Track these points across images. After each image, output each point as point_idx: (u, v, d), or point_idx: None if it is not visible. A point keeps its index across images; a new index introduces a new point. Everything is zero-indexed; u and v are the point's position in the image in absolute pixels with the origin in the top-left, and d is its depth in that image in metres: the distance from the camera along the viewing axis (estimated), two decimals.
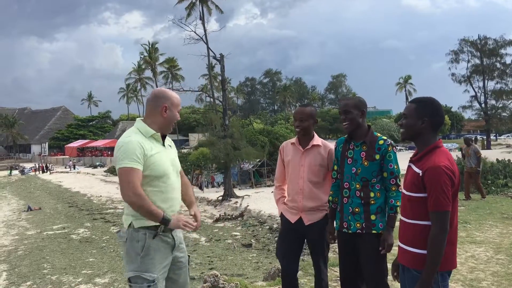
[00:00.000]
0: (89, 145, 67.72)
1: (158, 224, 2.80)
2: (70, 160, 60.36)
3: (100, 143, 65.91)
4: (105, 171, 49.99)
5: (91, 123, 79.65)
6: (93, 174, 49.14)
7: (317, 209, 3.66)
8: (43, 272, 15.43)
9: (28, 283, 14.43)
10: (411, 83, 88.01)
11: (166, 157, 2.96)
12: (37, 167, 59.14)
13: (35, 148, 78.33)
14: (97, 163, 58.31)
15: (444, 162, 2.43)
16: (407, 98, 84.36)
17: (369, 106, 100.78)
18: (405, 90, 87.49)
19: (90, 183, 42.34)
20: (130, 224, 2.86)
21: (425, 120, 2.57)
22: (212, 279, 4.51)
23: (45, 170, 56.15)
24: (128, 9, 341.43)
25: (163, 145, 2.99)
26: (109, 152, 62.19)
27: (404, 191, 2.65)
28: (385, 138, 3.26)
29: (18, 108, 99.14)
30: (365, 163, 3.20)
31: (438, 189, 2.38)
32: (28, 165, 63.71)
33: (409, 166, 2.66)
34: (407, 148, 49.76)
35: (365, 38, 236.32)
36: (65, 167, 59.03)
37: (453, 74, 55.97)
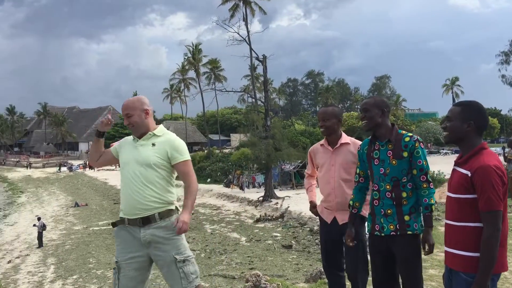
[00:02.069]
0: None
1: (124, 217, 3.15)
2: None
3: None
4: None
5: None
6: None
7: None
8: (89, 267, 15.93)
9: (75, 276, 14.93)
10: (459, 85, 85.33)
11: (129, 150, 3.27)
12: (84, 164, 61.10)
13: (83, 146, 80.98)
14: None
15: (493, 162, 2.41)
16: (454, 101, 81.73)
17: (414, 108, 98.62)
18: (452, 92, 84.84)
19: None
20: None
21: (471, 123, 2.54)
22: (254, 279, 4.51)
23: (91, 167, 57.88)
24: (172, 11, 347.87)
25: (136, 142, 3.29)
26: None
27: (450, 193, 2.60)
28: (410, 134, 3.16)
29: (67, 107, 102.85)
30: (393, 162, 3.10)
31: (489, 189, 2.35)
32: (76, 163, 65.93)
33: (454, 169, 2.62)
34: (453, 152, 48.24)
35: (410, 39, 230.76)
36: (111, 165, 60.69)
37: (503, 76, 53.81)
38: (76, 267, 15.97)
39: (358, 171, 3.43)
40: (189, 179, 3.20)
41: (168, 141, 3.23)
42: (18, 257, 18.43)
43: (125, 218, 3.14)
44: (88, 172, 56.03)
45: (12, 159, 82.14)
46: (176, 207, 3.20)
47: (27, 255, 18.74)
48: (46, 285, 14.37)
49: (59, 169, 61.51)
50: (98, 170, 56.41)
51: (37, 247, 19.83)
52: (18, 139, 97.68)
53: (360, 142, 3.69)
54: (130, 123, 3.25)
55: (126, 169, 3.20)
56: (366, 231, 3.44)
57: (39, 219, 21.51)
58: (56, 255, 18.33)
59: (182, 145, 3.26)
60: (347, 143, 3.74)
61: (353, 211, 3.41)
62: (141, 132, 3.26)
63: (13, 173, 63.80)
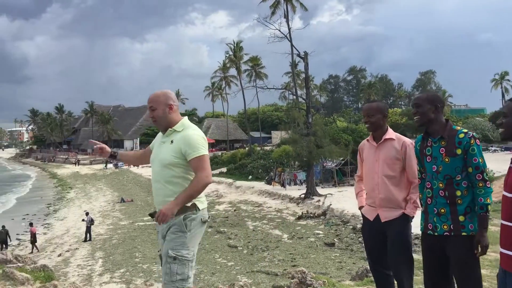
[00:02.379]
0: None
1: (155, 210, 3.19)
2: None
3: None
4: None
5: None
6: None
7: (394, 205, 3.56)
8: (135, 261, 16.36)
9: (122, 270, 15.36)
10: (508, 80, 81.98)
11: (155, 149, 3.34)
12: None
13: (128, 144, 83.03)
14: None
15: None
16: (503, 96, 78.59)
17: (461, 104, 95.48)
18: (502, 87, 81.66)
19: None
20: None
21: None
22: (299, 275, 4.51)
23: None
24: (214, 10, 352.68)
25: (162, 139, 3.32)
26: None
27: (506, 193, 2.49)
28: (465, 130, 3.04)
29: (112, 105, 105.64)
30: (446, 160, 3.01)
31: None
32: None
33: (511, 168, 2.49)
34: (502, 149, 46.44)
35: (457, 32, 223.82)
36: None
37: None
38: (123, 261, 16.42)
39: (418, 168, 3.38)
40: (198, 173, 3.09)
41: (183, 138, 3.16)
42: (68, 251, 19.12)
43: (156, 211, 3.21)
44: (133, 169, 57.42)
45: (61, 156, 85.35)
46: (194, 204, 3.12)
47: (76, 248, 19.42)
48: (95, 278, 14.85)
49: (106, 166, 63.38)
50: (142, 167, 57.71)
51: (84, 241, 20.52)
52: (66, 137, 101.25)
53: (406, 139, 3.65)
54: (153, 117, 3.26)
55: (152, 166, 3.28)
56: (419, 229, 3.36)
57: (87, 214, 22.27)
58: (103, 249, 18.91)
59: (196, 140, 3.14)
60: (391, 139, 3.65)
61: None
62: (164, 127, 3.26)
63: (62, 169, 66.24)
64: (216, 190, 34.00)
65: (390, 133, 3.70)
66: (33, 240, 19.63)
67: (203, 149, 3.14)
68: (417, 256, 3.49)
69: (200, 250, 16.81)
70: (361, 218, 3.94)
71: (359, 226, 18.19)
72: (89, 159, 74.70)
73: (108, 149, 3.50)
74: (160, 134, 3.36)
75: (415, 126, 3.46)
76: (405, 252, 3.54)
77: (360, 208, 3.91)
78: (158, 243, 3.28)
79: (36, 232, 20.42)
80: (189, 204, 3.10)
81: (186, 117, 3.36)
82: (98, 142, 3.46)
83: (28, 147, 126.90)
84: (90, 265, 16.50)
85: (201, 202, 3.19)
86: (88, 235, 20.87)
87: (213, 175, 42.41)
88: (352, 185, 30.15)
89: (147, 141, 78.00)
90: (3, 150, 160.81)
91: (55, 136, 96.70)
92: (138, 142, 74.17)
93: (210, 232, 19.87)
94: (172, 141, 3.18)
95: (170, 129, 3.22)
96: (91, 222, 21.26)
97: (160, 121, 3.25)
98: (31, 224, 21.35)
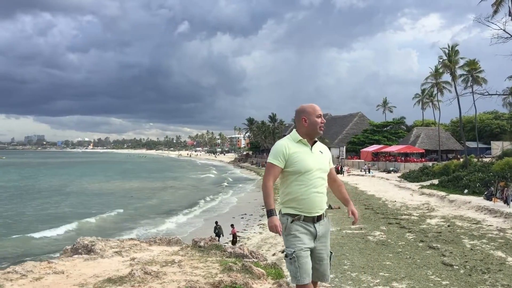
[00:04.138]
0: (383, 150, 68.83)
1: (298, 214, 3.55)
2: (365, 164, 62.82)
3: (393, 148, 66.31)
4: (399, 177, 50.05)
5: (385, 128, 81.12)
6: (387, 179, 49.86)
7: None
8: (344, 268, 16.52)
9: (331, 276, 15.66)
10: None
11: (310, 157, 3.58)
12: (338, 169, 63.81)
13: (334, 151, 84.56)
14: (391, 168, 58.87)
15: None
16: None
17: None
18: None
19: (384, 187, 43.13)
20: (280, 211, 3.66)
21: None
22: None
23: (340, 172, 59.81)
24: (424, 13, 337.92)
25: (311, 149, 3.64)
26: (403, 158, 62.12)
27: None
28: None
29: None
30: None
31: None
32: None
33: None
34: None
35: None
36: (360, 171, 61.80)
37: None
38: (332, 267, 16.73)
39: None
40: (339, 180, 3.99)
41: (327, 149, 3.82)
42: (282, 252, 20.37)
43: (302, 215, 3.56)
44: (339, 176, 58.20)
45: None
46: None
47: None
48: None
49: None
50: (349, 175, 58.24)
51: None
52: None
53: None
54: (323, 124, 3.71)
55: (311, 174, 3.56)
56: None
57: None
58: None
59: None
60: None
61: None
62: (315, 137, 3.71)
63: None
64: (427, 203, 32.21)
65: None
66: (234, 240, 21.45)
67: None
68: None
69: (411, 265, 16.18)
70: None
71: None
72: None
73: (277, 222, 3.51)
74: (293, 144, 3.66)
75: None
76: None
77: None
78: (297, 241, 3.54)
79: (236, 232, 22.48)
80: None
81: None
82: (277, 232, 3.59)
83: (244, 152, 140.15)
84: None
85: None
86: None
87: (423, 186, 40.31)
88: None
89: (353, 149, 78.47)
90: (224, 154, 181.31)
91: (268, 143, 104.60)
92: (344, 150, 74.96)
93: (421, 246, 18.90)
94: (321, 152, 3.71)
95: (316, 141, 3.75)
96: None
97: None
98: (232, 226, 23.31)
